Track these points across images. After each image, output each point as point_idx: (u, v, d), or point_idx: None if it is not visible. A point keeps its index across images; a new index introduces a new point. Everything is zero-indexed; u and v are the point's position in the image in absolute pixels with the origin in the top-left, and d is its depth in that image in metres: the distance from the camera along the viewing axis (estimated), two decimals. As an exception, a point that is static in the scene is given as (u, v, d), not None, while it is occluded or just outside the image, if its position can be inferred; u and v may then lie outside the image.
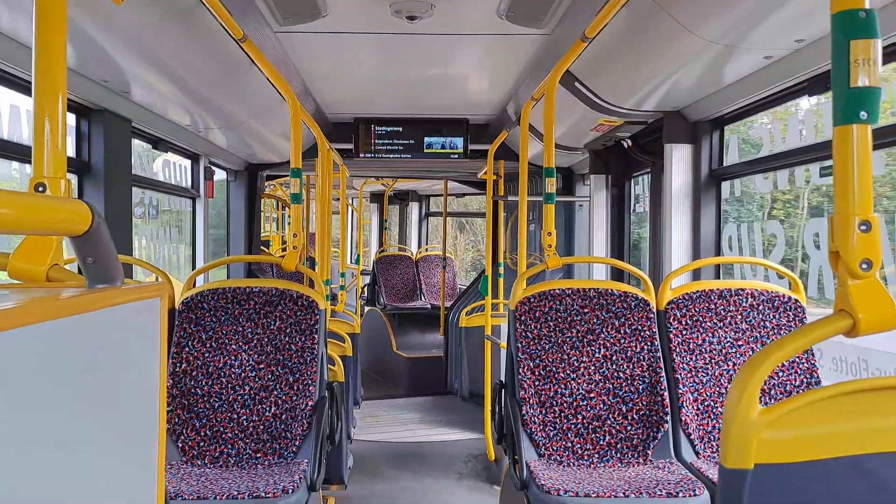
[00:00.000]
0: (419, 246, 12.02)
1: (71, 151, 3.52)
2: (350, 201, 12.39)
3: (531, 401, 3.11)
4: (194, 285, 3.37)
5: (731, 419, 1.04)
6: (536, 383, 3.14)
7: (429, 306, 9.60)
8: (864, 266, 1.06)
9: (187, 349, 3.17)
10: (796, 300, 3.14)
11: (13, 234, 0.96)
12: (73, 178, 3.54)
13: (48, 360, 0.80)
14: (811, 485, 1.05)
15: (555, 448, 3.08)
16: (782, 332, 3.14)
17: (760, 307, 3.16)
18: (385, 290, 9.93)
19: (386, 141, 5.99)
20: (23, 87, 3.00)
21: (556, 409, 3.12)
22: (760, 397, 1.06)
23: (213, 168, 5.66)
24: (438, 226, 10.38)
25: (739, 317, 3.17)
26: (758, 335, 3.15)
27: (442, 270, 9.39)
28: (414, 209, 12.53)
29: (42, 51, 1.22)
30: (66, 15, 1.24)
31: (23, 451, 0.74)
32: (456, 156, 6.03)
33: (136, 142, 4.23)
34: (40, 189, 1.19)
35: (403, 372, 8.43)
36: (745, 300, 3.17)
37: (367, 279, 10.54)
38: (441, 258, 9.68)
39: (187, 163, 5.39)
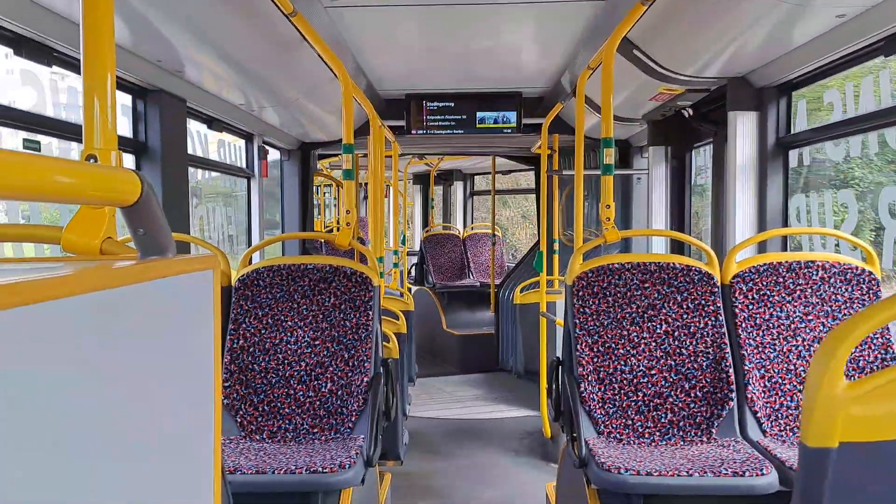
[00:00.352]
0: (465, 225, 12.02)
1: (128, 132, 3.57)
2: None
3: (590, 377, 3.05)
4: (250, 262, 3.40)
5: (814, 395, 0.96)
6: (595, 360, 3.07)
7: (478, 284, 9.59)
8: None
9: (244, 326, 3.20)
10: (870, 272, 2.99)
11: (65, 202, 0.94)
12: (131, 159, 3.59)
13: (102, 329, 0.79)
14: None
15: (614, 426, 3.01)
16: (855, 306, 3.00)
17: (832, 280, 3.02)
18: (433, 269, 9.94)
19: (438, 117, 5.93)
20: (73, 65, 3.03)
21: (616, 386, 3.05)
22: None
23: (267, 148, 5.70)
24: (486, 203, 10.37)
25: (809, 290, 3.03)
26: (829, 309, 3.01)
27: (492, 248, 9.35)
28: (458, 188, 12.52)
29: (89, 23, 1.21)
30: None
31: (77, 421, 0.73)
32: (509, 130, 5.94)
33: (192, 125, 4.28)
34: (91, 160, 1.18)
35: (455, 349, 8.42)
36: (815, 273, 3.03)
37: (413, 259, 10.57)
38: (490, 236, 9.64)
39: (241, 142, 5.43)
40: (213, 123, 4.56)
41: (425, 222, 11.92)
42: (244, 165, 5.46)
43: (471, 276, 10.07)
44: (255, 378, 3.16)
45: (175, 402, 0.99)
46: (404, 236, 10.26)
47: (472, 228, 10.97)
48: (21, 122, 2.84)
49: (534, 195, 9.29)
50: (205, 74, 3.83)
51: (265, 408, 3.14)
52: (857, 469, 0.97)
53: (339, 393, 3.15)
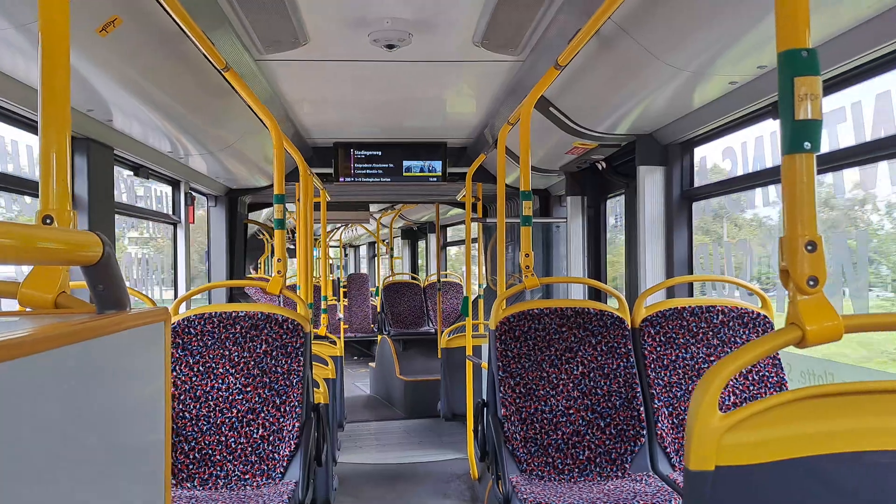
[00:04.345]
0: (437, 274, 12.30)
1: None
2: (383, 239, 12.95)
3: (512, 418, 3.19)
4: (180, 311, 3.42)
5: (693, 424, 1.13)
6: (517, 401, 3.22)
7: (433, 331, 9.70)
8: (811, 283, 1.16)
9: (175, 373, 3.22)
10: (765, 316, 3.26)
11: (31, 264, 1.02)
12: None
13: (63, 384, 0.86)
14: (770, 485, 1.14)
15: (536, 464, 3.15)
16: None
17: (731, 324, 3.27)
18: (391, 317, 10.02)
19: (365, 165, 6.08)
20: (28, 125, 3.12)
21: (537, 425, 3.20)
22: (733, 409, 1.15)
23: (194, 194, 5.71)
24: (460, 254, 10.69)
25: (711, 333, 3.28)
26: (728, 350, 3.25)
27: (438, 293, 9.50)
28: (432, 240, 12.81)
29: (47, 89, 1.29)
30: (69, 54, 1.31)
31: (36, 477, 0.78)
32: (434, 178, 6.13)
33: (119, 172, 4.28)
34: (48, 221, 1.25)
35: (403, 395, 8.44)
36: (716, 317, 3.28)
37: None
38: (457, 283, 9.83)
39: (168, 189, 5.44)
40: (139, 170, 4.58)
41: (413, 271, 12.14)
42: (170, 212, 5.45)
43: (430, 324, 10.15)
44: (185, 426, 3.17)
45: (128, 451, 1.06)
46: (340, 283, 10.40)
47: (446, 276, 11.15)
48: None
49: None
50: (133, 123, 3.87)
51: (196, 455, 3.15)
52: (732, 489, 1.14)
53: (271, 438, 3.19)
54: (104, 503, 0.96)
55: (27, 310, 1.19)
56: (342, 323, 11.35)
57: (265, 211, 9.81)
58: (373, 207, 11.23)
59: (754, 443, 1.14)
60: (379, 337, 9.60)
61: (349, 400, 9.09)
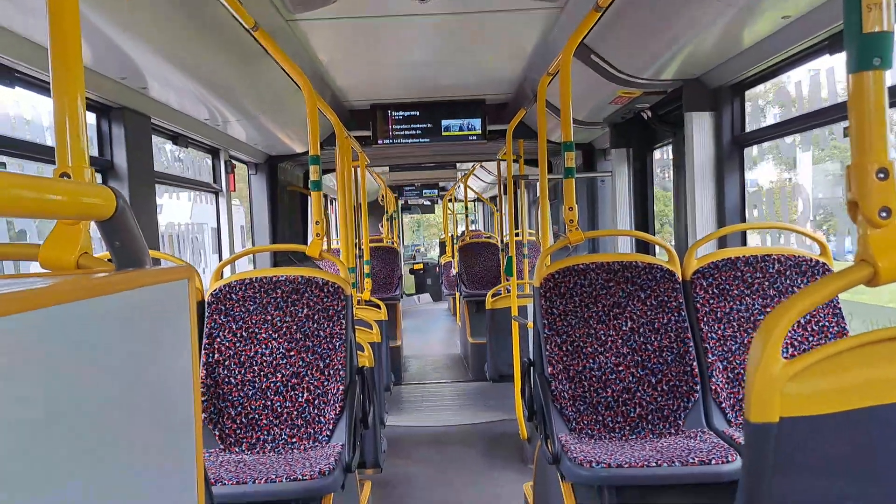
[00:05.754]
0: (500, 234, 11.97)
1: (94, 151, 3.57)
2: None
3: (560, 376, 3.12)
4: (221, 276, 3.42)
5: (753, 373, 1.03)
6: (564, 359, 3.15)
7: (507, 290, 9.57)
8: (884, 214, 1.05)
9: (219, 339, 3.22)
10: (824, 264, 3.10)
11: (42, 217, 0.98)
12: (98, 178, 3.59)
13: (79, 340, 0.82)
14: (838, 436, 1.05)
15: (586, 422, 3.09)
16: None
17: (788, 272, 3.13)
18: (467, 278, 9.89)
19: (403, 126, 6.01)
20: (42, 87, 3.07)
21: (586, 383, 3.12)
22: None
23: (234, 162, 5.71)
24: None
25: (767, 283, 3.14)
26: None
27: (502, 253, 9.31)
28: (524, 196, 12.53)
29: (57, 46, 1.24)
30: (78, 8, 1.26)
31: (56, 434, 0.75)
32: (474, 137, 6.03)
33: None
34: (64, 178, 1.22)
35: (471, 358, 8.38)
36: (771, 266, 3.14)
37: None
38: (534, 243, 9.55)
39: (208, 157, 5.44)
40: (178, 139, 4.57)
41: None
42: (211, 180, 5.46)
43: None
44: (231, 391, 3.19)
45: (154, 412, 1.02)
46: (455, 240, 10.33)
47: (518, 235, 10.95)
48: None
49: None
50: (169, 90, 3.85)
51: (243, 420, 3.17)
52: (798, 442, 1.05)
53: (316, 402, 3.18)
54: (128, 465, 0.92)
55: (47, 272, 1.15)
56: (457, 279, 11.23)
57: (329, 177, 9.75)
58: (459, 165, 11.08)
59: (822, 391, 1.04)
60: (457, 297, 9.58)
61: (439, 357, 9.30)
